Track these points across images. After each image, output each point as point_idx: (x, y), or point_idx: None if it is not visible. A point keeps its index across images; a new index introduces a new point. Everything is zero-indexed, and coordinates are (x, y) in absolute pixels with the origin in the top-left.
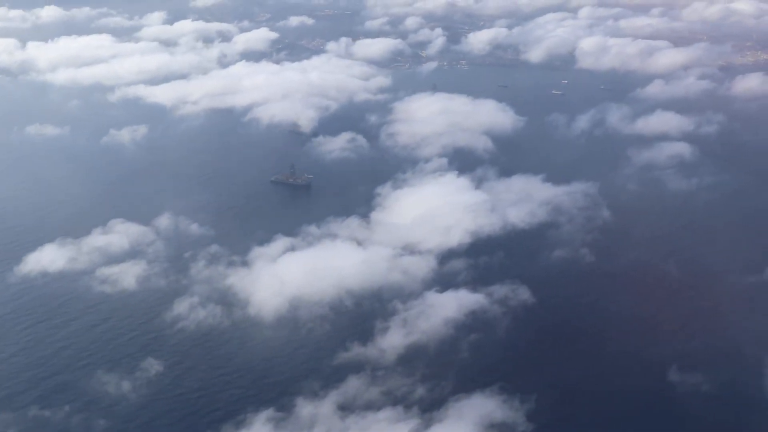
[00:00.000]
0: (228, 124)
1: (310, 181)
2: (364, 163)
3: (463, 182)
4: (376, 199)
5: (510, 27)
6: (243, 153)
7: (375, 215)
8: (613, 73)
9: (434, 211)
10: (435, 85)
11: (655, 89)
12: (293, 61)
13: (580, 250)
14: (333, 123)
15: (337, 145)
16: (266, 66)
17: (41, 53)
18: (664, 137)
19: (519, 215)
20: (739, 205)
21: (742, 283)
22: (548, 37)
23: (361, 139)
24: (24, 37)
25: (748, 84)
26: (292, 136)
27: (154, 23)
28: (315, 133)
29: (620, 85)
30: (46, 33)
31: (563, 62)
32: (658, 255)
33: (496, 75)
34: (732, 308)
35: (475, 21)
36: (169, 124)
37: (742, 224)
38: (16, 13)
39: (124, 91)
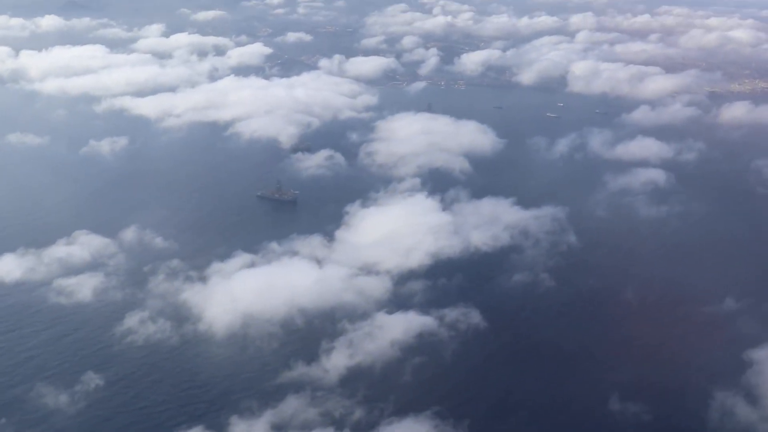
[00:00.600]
0: (209, 138)
1: (296, 196)
2: (339, 181)
3: (431, 203)
4: (344, 217)
5: (506, 49)
6: (221, 167)
7: (340, 234)
8: (603, 97)
9: (397, 231)
10: (430, 105)
11: (640, 115)
12: (284, 76)
13: (540, 274)
14: (313, 140)
15: (314, 162)
16: (254, 81)
17: (33, 62)
18: (642, 163)
19: (482, 238)
20: (706, 235)
21: (699, 313)
22: (541, 60)
23: (340, 157)
24: (19, 45)
25: (735, 112)
26: (271, 151)
27: (151, 35)
28: (309, 148)
29: (609, 109)
30: (42, 42)
31: (555, 85)
32: (618, 282)
33: (492, 96)
34: (685, 338)
35: (474, 41)
36: (150, 136)
37: (706, 254)
38: (16, 21)
39: (110, 103)
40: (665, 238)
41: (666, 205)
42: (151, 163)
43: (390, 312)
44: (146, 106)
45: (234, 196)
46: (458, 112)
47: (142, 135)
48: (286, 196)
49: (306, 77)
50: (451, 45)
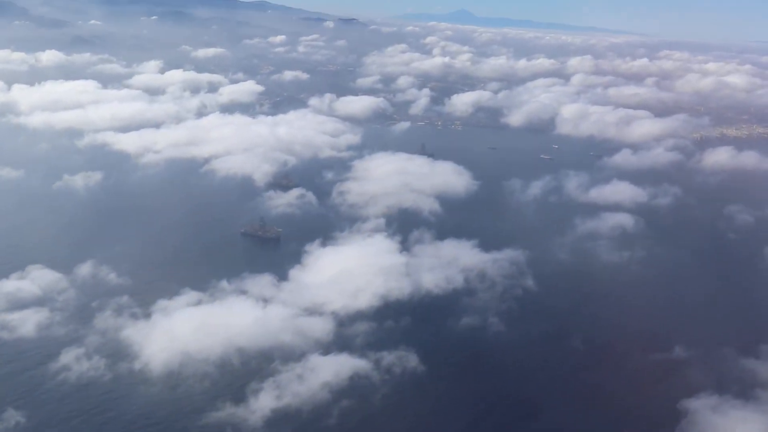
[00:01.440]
0: (184, 175)
1: (279, 234)
2: (307, 220)
3: (389, 244)
4: (302, 256)
5: (500, 90)
6: (193, 203)
7: (293, 273)
8: (591, 139)
9: (350, 272)
10: (423, 145)
11: (621, 158)
12: (272, 114)
13: (490, 318)
14: (288, 178)
15: (284, 201)
16: (238, 118)
17: (24, 96)
18: (614, 207)
19: (435, 280)
20: (666, 280)
21: (645, 360)
22: (530, 102)
23: (311, 196)
24: (14, 79)
25: (717, 157)
26: (244, 188)
27: (147, 71)
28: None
29: (603, 152)
30: (38, 76)
31: (544, 127)
32: (568, 327)
33: (486, 137)
34: (625, 386)
35: (471, 82)
36: (126, 171)
37: (663, 300)
38: (18, 55)
39: (92, 137)
40: (624, 283)
41: (629, 250)
42: (122, 199)
43: (324, 354)
44: (127, 142)
45: (201, 232)
46: (451, 152)
47: (119, 170)
48: (269, 234)
49: (292, 115)
50: (449, 85)
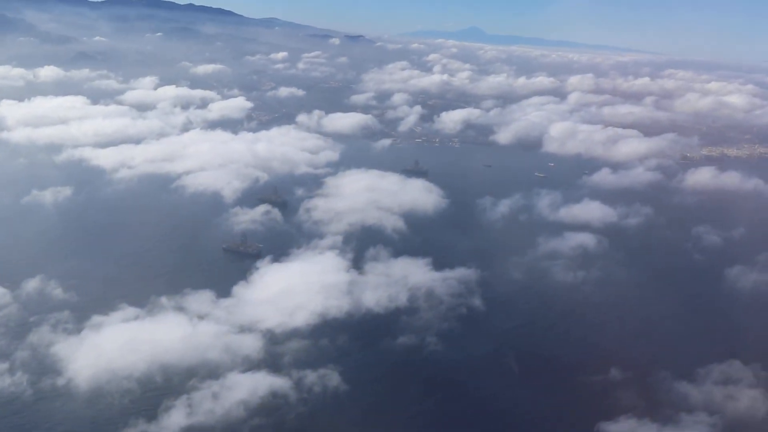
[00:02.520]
0: (154, 190)
1: (260, 250)
2: (267, 237)
3: (339, 262)
4: (251, 273)
5: (492, 108)
6: (157, 219)
7: (237, 290)
8: (578, 158)
9: (292, 289)
10: (417, 162)
11: (599, 178)
12: (258, 131)
13: (427, 338)
14: (254, 195)
15: (249, 217)
16: (219, 134)
17: (11, 112)
18: (580, 227)
19: (378, 299)
20: (616, 301)
21: (576, 382)
22: (520, 119)
23: (277, 213)
24: (6, 95)
25: (698, 178)
26: (212, 204)
27: (143, 87)
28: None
29: (573, 171)
30: (31, 92)
31: (532, 145)
32: (506, 347)
33: (482, 155)
34: (550, 408)
35: (468, 99)
36: (97, 187)
37: (608, 322)
38: (18, 71)
39: (70, 153)
40: (573, 303)
41: (585, 271)
42: (87, 214)
43: (245, 371)
44: (104, 157)
45: (158, 248)
46: (445, 169)
47: (90, 185)
48: (250, 249)
49: (276, 132)
50: (445, 102)
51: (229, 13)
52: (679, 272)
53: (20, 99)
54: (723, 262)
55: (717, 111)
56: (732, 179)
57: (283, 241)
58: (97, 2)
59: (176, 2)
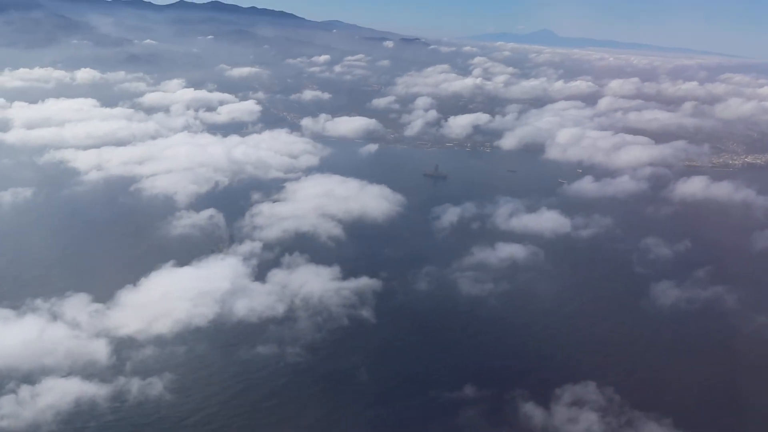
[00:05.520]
0: (112, 193)
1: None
2: (201, 242)
3: (238, 269)
4: (148, 277)
5: (511, 113)
6: (101, 220)
7: (120, 293)
8: (579, 164)
9: (167, 295)
10: (437, 167)
11: (579, 186)
12: (259, 133)
13: (288, 349)
14: (209, 199)
15: (191, 221)
16: (205, 137)
17: (19, 113)
18: (524, 238)
19: (254, 308)
20: (515, 316)
21: (426, 398)
22: (531, 124)
23: (220, 218)
24: (32, 97)
25: (688, 188)
26: (162, 207)
27: (168, 89)
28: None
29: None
30: (55, 93)
31: (534, 151)
32: (371, 361)
33: (507, 160)
34: (390, 426)
35: (494, 104)
36: (59, 188)
37: (492, 337)
38: (58, 73)
39: (52, 155)
40: (464, 317)
41: (498, 283)
42: (30, 215)
43: (66, 376)
44: (83, 159)
45: (78, 250)
46: (464, 174)
47: (53, 187)
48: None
49: (267, 135)
50: (472, 106)
51: (291, 16)
52: (604, 286)
53: (33, 101)
54: (658, 276)
55: (756, 117)
56: (722, 190)
57: (205, 246)
58: (162, 5)
59: (239, 5)
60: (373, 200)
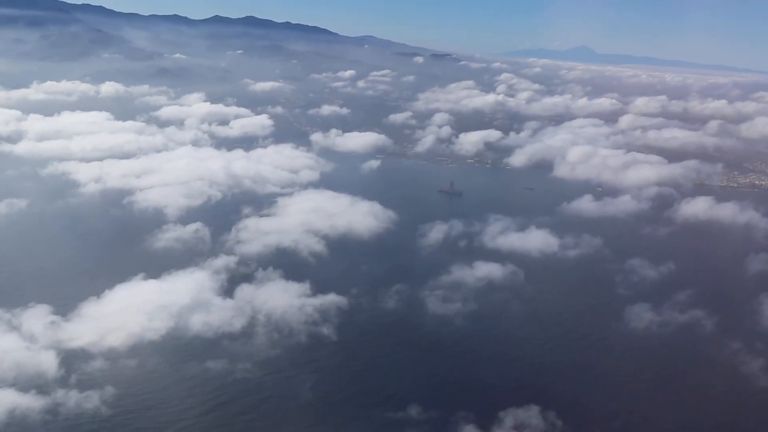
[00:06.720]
0: (104, 205)
1: None
2: (184, 256)
3: (204, 283)
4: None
5: (537, 130)
6: (89, 233)
7: (84, 305)
8: (587, 183)
9: (126, 308)
10: (452, 183)
11: (578, 205)
12: (265, 147)
13: (238, 365)
14: (199, 213)
15: (175, 235)
16: (206, 151)
17: (32, 126)
18: (507, 257)
19: (211, 323)
20: (473, 335)
21: (371, 417)
22: (543, 142)
23: (206, 232)
24: (49, 110)
25: (691, 208)
26: (149, 221)
27: (186, 103)
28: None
29: (559, 198)
30: (73, 106)
31: (543, 168)
32: (303, 381)
33: (516, 177)
34: None
35: (517, 120)
36: (55, 200)
37: (452, 358)
38: (85, 86)
39: (56, 167)
40: (426, 337)
41: (462, 304)
42: (20, 226)
43: (3, 387)
44: (84, 172)
45: (55, 261)
46: (484, 193)
47: (50, 198)
48: None
49: (271, 149)
50: (496, 123)
51: (324, 31)
52: (579, 308)
53: (50, 114)
54: (637, 298)
55: None
56: (726, 211)
57: (184, 260)
58: (197, 20)
59: (273, 20)
60: (361, 216)
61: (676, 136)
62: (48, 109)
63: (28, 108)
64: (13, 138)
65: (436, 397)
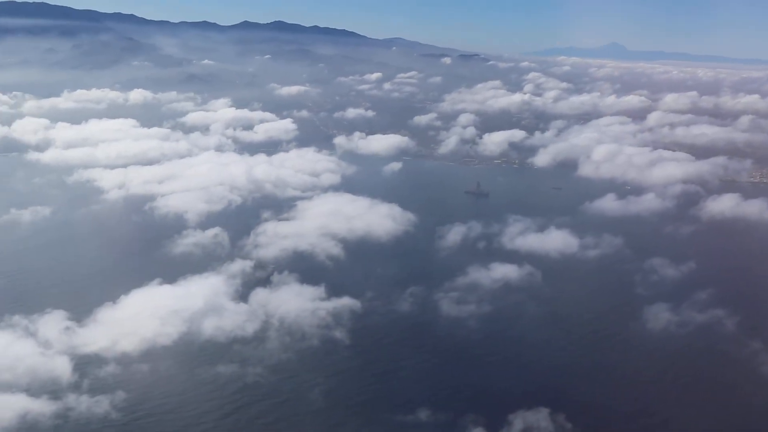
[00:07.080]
0: (127, 211)
1: None
2: (202, 261)
3: (220, 288)
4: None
5: (563, 129)
6: (108, 239)
7: (99, 310)
8: (612, 182)
9: (140, 313)
10: (479, 184)
11: (601, 204)
12: (282, 152)
13: (249, 370)
14: (219, 218)
15: (194, 240)
16: (228, 156)
17: (59, 134)
18: (525, 258)
19: (221, 326)
20: (486, 337)
21: (381, 421)
22: (562, 141)
23: (225, 237)
24: (78, 117)
25: (717, 206)
26: (168, 227)
27: (212, 109)
28: None
29: (583, 197)
30: (99, 114)
31: (569, 168)
32: (314, 384)
33: (550, 177)
34: None
35: (538, 121)
36: (79, 206)
37: (450, 358)
38: (114, 94)
39: (81, 174)
40: (439, 339)
41: (477, 306)
42: (46, 233)
43: (16, 392)
44: (108, 178)
45: (73, 265)
46: (510, 193)
47: (73, 205)
48: None
49: (293, 153)
50: (522, 122)
51: (352, 34)
52: (597, 308)
53: (78, 122)
54: (657, 298)
55: None
56: (753, 208)
57: (202, 265)
58: (226, 26)
59: (302, 24)
60: (380, 219)
61: (705, 132)
62: (76, 117)
63: (57, 116)
64: (41, 146)
65: (447, 400)
